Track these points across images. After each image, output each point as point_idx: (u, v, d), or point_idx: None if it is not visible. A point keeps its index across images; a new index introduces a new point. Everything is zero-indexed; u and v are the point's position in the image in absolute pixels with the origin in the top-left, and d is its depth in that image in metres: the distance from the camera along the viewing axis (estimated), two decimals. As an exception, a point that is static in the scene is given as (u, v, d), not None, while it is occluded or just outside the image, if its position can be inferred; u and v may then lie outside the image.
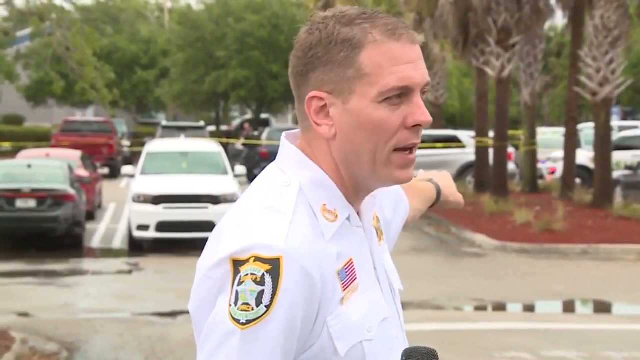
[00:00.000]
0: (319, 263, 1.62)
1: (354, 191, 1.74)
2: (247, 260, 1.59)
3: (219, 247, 1.63)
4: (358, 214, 1.75)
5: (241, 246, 1.60)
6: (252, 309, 1.57)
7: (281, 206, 1.65)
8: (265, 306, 1.57)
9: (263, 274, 1.57)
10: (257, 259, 1.58)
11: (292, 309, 1.58)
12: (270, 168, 1.76)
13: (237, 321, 1.57)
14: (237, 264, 1.59)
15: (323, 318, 1.63)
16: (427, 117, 1.68)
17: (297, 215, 1.65)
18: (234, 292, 1.58)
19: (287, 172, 1.72)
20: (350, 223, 1.72)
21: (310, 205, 1.68)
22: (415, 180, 2.42)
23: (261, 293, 1.57)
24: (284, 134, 1.79)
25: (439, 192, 2.43)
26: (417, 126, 1.68)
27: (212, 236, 1.69)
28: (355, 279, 1.69)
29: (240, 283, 1.58)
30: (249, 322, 1.57)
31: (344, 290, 1.66)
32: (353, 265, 1.69)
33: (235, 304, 1.58)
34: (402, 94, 1.67)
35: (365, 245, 1.75)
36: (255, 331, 1.57)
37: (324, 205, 1.69)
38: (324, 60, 1.67)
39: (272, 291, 1.57)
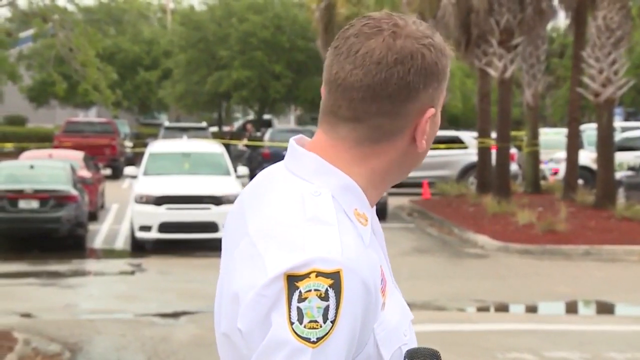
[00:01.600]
0: (371, 272, 1.60)
1: (379, 195, 1.74)
2: (306, 276, 1.54)
3: (264, 263, 1.58)
4: None
5: (298, 261, 1.55)
6: (320, 326, 1.53)
7: (324, 216, 1.61)
8: (331, 322, 1.54)
9: (327, 289, 1.54)
10: (319, 274, 1.54)
11: (354, 322, 1.56)
12: (278, 174, 1.72)
13: (307, 340, 1.53)
14: (292, 279, 1.55)
15: (371, 326, 1.61)
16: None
17: (341, 224, 1.61)
18: (295, 309, 1.54)
19: (312, 180, 1.67)
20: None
21: (345, 212, 1.65)
22: None
23: (327, 309, 1.53)
24: (293, 139, 1.76)
25: None
26: None
27: (245, 251, 1.63)
28: (386, 282, 1.68)
29: (302, 300, 1.54)
30: (319, 339, 1.53)
31: (383, 295, 1.65)
32: (382, 268, 1.68)
33: (300, 322, 1.53)
34: None
35: (381, 249, 1.74)
36: (324, 348, 1.53)
37: (356, 209, 1.67)
38: (440, 78, 1.71)
39: (336, 306, 1.54)
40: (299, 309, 1.54)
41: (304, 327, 1.53)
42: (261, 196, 1.70)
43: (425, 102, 1.69)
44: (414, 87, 1.66)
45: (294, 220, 1.61)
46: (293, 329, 1.53)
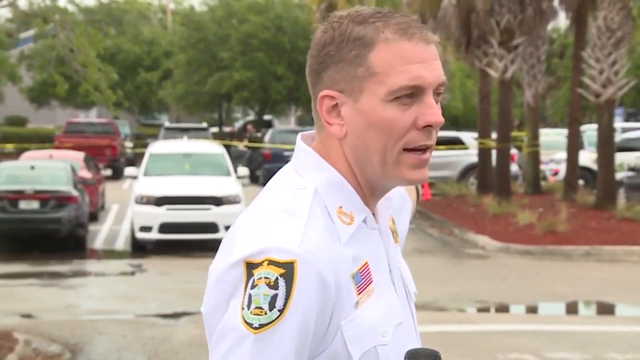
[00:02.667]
0: (333, 267, 1.59)
1: (370, 192, 1.71)
2: (260, 264, 1.56)
3: (232, 249, 1.61)
4: (374, 215, 1.73)
5: (255, 249, 1.57)
6: (265, 313, 1.54)
7: (296, 209, 1.62)
8: (279, 310, 1.54)
9: (277, 278, 1.55)
10: (271, 262, 1.56)
11: (305, 314, 1.56)
12: (286, 169, 1.73)
13: (250, 325, 1.55)
14: (250, 266, 1.57)
15: (337, 322, 1.60)
16: (438, 118, 1.65)
17: (312, 218, 1.62)
18: (247, 296, 1.56)
19: (303, 174, 1.69)
20: (366, 225, 1.70)
21: (326, 208, 1.65)
22: None
23: (274, 297, 1.54)
24: (299, 134, 1.77)
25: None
26: (428, 127, 1.66)
27: (225, 238, 1.67)
28: (371, 282, 1.67)
29: (253, 286, 1.56)
30: (262, 326, 1.54)
31: (359, 294, 1.64)
32: (369, 268, 1.67)
33: (248, 307, 1.55)
34: (413, 93, 1.64)
35: (380, 247, 1.72)
36: (268, 335, 1.54)
37: (340, 207, 1.67)
38: (335, 59, 1.66)
39: (286, 295, 1.55)
40: (249, 296, 1.56)
41: (250, 313, 1.55)
42: (264, 190, 1.73)
43: (328, 85, 1.68)
44: (313, 70, 1.70)
45: (270, 211, 1.63)
46: (243, 315, 1.56)
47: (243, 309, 1.56)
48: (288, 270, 1.55)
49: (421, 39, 1.65)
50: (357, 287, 1.64)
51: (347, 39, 1.65)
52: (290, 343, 1.55)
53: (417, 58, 1.64)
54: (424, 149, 1.68)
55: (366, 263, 1.67)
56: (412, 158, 1.67)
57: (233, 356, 1.55)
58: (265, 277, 1.55)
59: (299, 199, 1.65)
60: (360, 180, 1.70)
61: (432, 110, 1.65)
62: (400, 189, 2.05)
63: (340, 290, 1.60)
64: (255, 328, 1.54)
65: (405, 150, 1.66)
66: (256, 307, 1.55)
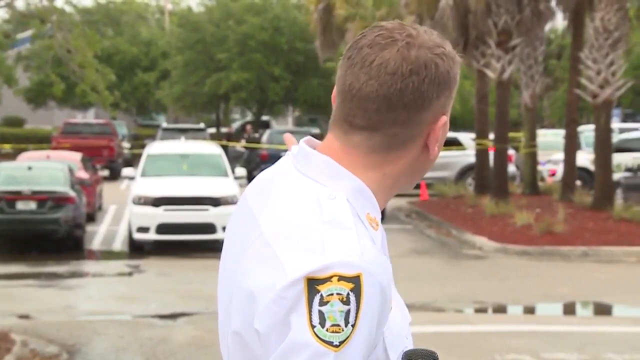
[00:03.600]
0: (387, 275, 1.61)
1: (384, 200, 1.75)
2: (328, 279, 1.55)
3: (284, 265, 1.58)
4: None
5: (319, 265, 1.55)
6: (342, 330, 1.54)
7: (341, 220, 1.62)
8: (352, 325, 1.54)
9: (348, 293, 1.54)
10: (341, 277, 1.55)
11: (371, 325, 1.57)
12: (286, 171, 1.72)
13: (330, 343, 1.54)
14: (313, 282, 1.55)
15: (381, 330, 1.62)
16: None
17: (357, 228, 1.62)
18: (317, 312, 1.54)
19: (325, 183, 1.68)
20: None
21: (358, 216, 1.66)
22: None
23: (348, 312, 1.54)
24: (303, 139, 1.76)
25: None
26: None
27: (260, 251, 1.63)
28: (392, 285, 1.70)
29: (324, 303, 1.54)
30: (341, 343, 1.54)
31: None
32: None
33: (322, 325, 1.54)
34: None
35: (383, 248, 1.75)
36: (345, 352, 1.54)
37: (368, 213, 1.68)
38: (452, 87, 1.73)
39: (356, 309, 1.55)
40: (320, 312, 1.54)
41: (327, 330, 1.54)
42: (272, 195, 1.70)
43: (439, 110, 1.71)
44: (428, 97, 1.68)
45: (311, 222, 1.61)
46: (315, 332, 1.54)
47: (314, 326, 1.54)
48: (356, 284, 1.55)
49: None
50: None
51: (457, 68, 1.74)
52: (360, 356, 1.56)
53: None
54: None
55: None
56: None
57: None
58: (338, 294, 1.54)
59: (336, 209, 1.63)
60: (392, 191, 1.76)
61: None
62: None
63: (390, 297, 1.63)
64: (336, 346, 1.54)
65: None
66: (333, 325, 1.54)
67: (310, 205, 1.64)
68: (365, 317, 1.55)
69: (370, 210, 1.69)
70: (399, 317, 1.70)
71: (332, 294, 1.54)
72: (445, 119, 1.72)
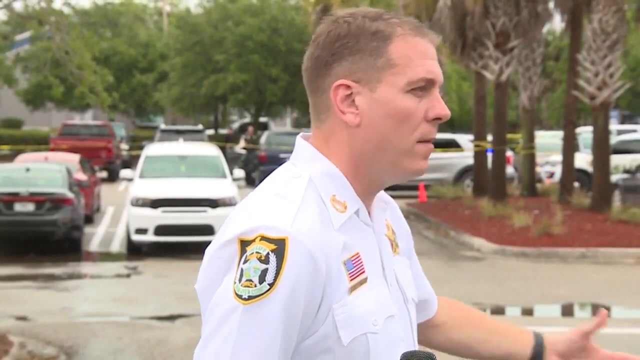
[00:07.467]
0: (324, 249, 1.65)
1: (367, 187, 1.76)
2: (253, 240, 1.62)
3: (226, 230, 1.68)
4: (368, 213, 1.78)
5: (249, 226, 1.64)
6: (255, 286, 1.60)
7: (289, 194, 1.69)
8: (269, 284, 1.60)
9: (268, 253, 1.61)
10: (263, 238, 1.62)
11: (294, 290, 1.61)
12: (285, 164, 1.81)
13: (240, 297, 1.61)
14: (244, 244, 1.63)
15: (329, 305, 1.65)
16: (446, 111, 1.74)
17: (305, 203, 1.68)
18: (239, 270, 1.62)
19: (298, 165, 1.76)
20: (359, 218, 1.74)
21: (320, 196, 1.71)
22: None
23: (265, 271, 1.60)
24: (299, 134, 1.83)
25: (538, 344, 2.18)
26: (436, 119, 1.74)
27: (223, 224, 1.74)
28: (363, 272, 1.71)
29: (245, 261, 1.62)
30: (250, 297, 1.60)
31: (351, 280, 1.69)
32: (360, 259, 1.72)
33: (240, 281, 1.61)
34: (425, 87, 1.72)
35: (374, 245, 1.76)
36: (257, 307, 1.60)
37: (334, 195, 1.72)
38: (353, 50, 1.72)
39: (276, 270, 1.60)
40: (241, 270, 1.62)
41: (241, 285, 1.61)
42: (262, 182, 1.80)
43: (343, 76, 1.73)
44: (322, 62, 1.74)
45: (264, 196, 1.71)
46: (234, 289, 1.62)
47: (235, 283, 1.62)
48: (279, 246, 1.61)
49: (430, 39, 1.75)
50: (349, 274, 1.69)
51: (365, 32, 1.72)
52: (278, 317, 1.60)
53: (430, 55, 1.73)
54: (429, 141, 1.76)
55: (357, 253, 1.71)
56: (424, 148, 1.75)
57: (223, 327, 1.61)
58: (257, 252, 1.62)
59: (292, 185, 1.71)
60: (360, 173, 1.75)
61: (441, 104, 1.74)
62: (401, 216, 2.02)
63: (331, 273, 1.65)
64: (245, 299, 1.60)
65: (418, 142, 1.74)
66: (246, 280, 1.61)
67: (278, 183, 1.73)
68: (287, 280, 1.60)
69: (338, 193, 1.72)
70: (370, 303, 1.70)
71: (252, 253, 1.62)
72: (340, 82, 1.72)
